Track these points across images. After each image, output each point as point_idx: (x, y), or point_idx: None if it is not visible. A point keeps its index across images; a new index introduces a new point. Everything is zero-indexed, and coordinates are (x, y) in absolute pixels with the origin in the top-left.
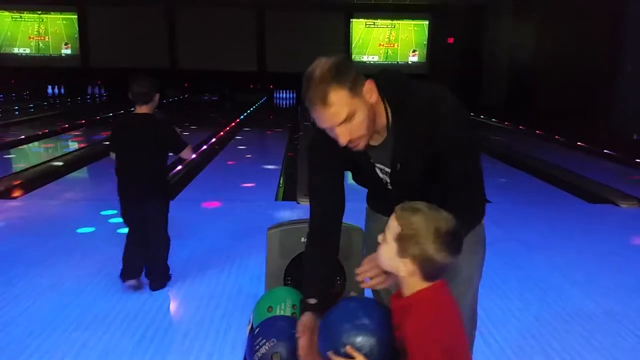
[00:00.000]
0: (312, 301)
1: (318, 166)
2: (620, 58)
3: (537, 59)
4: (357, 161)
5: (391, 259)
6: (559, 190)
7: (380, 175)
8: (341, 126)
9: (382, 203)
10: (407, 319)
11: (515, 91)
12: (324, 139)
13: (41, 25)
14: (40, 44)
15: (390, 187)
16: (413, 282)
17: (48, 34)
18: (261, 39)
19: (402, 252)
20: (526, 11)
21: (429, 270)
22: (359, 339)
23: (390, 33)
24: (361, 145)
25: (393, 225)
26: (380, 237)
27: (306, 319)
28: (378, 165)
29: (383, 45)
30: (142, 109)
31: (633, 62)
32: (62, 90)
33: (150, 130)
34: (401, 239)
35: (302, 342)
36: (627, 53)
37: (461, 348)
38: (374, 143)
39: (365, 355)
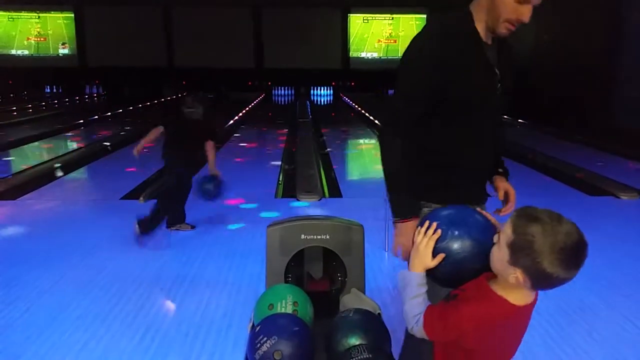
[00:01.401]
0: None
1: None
2: (619, 51)
3: (536, 52)
4: (478, 63)
5: (502, 265)
6: (558, 182)
7: (497, 73)
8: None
9: (476, 146)
10: (473, 302)
11: (514, 84)
12: (453, 49)
13: (38, 25)
14: (37, 44)
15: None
16: (516, 284)
17: (45, 34)
18: (258, 36)
19: (514, 260)
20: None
21: (540, 283)
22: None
23: (390, 28)
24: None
25: (507, 232)
26: (495, 237)
27: (413, 223)
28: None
29: (382, 42)
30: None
31: (633, 54)
32: (60, 90)
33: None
34: (514, 247)
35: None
36: (627, 45)
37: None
38: (488, 41)
39: (449, 253)
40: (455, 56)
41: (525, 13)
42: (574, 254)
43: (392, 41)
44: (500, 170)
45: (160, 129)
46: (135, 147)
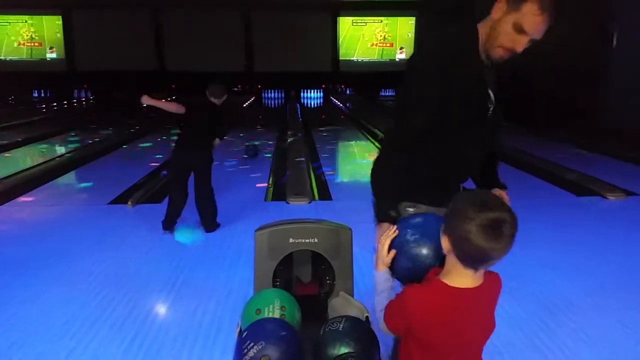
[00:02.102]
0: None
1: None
2: (611, 54)
3: (528, 54)
4: (483, 84)
5: (442, 240)
6: (545, 183)
7: (491, 95)
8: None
9: (463, 161)
10: (415, 286)
11: (505, 87)
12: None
13: (25, 29)
14: (25, 48)
15: (490, 113)
16: (452, 264)
17: (33, 38)
18: (248, 39)
19: (445, 228)
20: None
21: (463, 250)
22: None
23: (384, 31)
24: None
25: (448, 207)
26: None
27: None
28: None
29: (376, 45)
30: (214, 100)
31: (623, 58)
32: (48, 94)
33: (215, 113)
34: (446, 215)
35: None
36: (619, 48)
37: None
38: (487, 62)
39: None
40: (461, 73)
41: (521, 43)
42: (493, 225)
43: (388, 44)
44: (500, 184)
45: (182, 109)
46: (148, 97)
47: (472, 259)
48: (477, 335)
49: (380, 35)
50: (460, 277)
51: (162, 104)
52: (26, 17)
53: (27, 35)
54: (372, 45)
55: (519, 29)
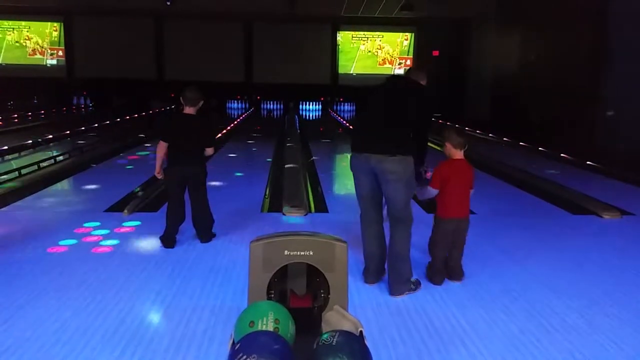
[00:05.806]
0: None
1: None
2: (603, 70)
3: (521, 71)
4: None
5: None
6: (542, 201)
7: None
8: None
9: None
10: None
11: (499, 103)
12: None
13: (27, 35)
14: (25, 54)
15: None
16: (449, 152)
17: (33, 44)
18: (249, 50)
19: (446, 139)
20: (510, 24)
21: (452, 143)
22: None
23: (380, 45)
24: None
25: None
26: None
27: None
28: None
29: (378, 56)
30: (189, 110)
31: (615, 74)
32: (47, 100)
33: (195, 124)
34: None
35: None
36: (610, 65)
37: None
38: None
39: None
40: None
41: None
42: (459, 131)
43: (387, 57)
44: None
45: (163, 143)
46: (156, 171)
47: (455, 145)
48: (463, 183)
49: (378, 49)
50: (454, 155)
51: (158, 157)
52: (27, 23)
53: (27, 41)
54: (380, 59)
55: None
